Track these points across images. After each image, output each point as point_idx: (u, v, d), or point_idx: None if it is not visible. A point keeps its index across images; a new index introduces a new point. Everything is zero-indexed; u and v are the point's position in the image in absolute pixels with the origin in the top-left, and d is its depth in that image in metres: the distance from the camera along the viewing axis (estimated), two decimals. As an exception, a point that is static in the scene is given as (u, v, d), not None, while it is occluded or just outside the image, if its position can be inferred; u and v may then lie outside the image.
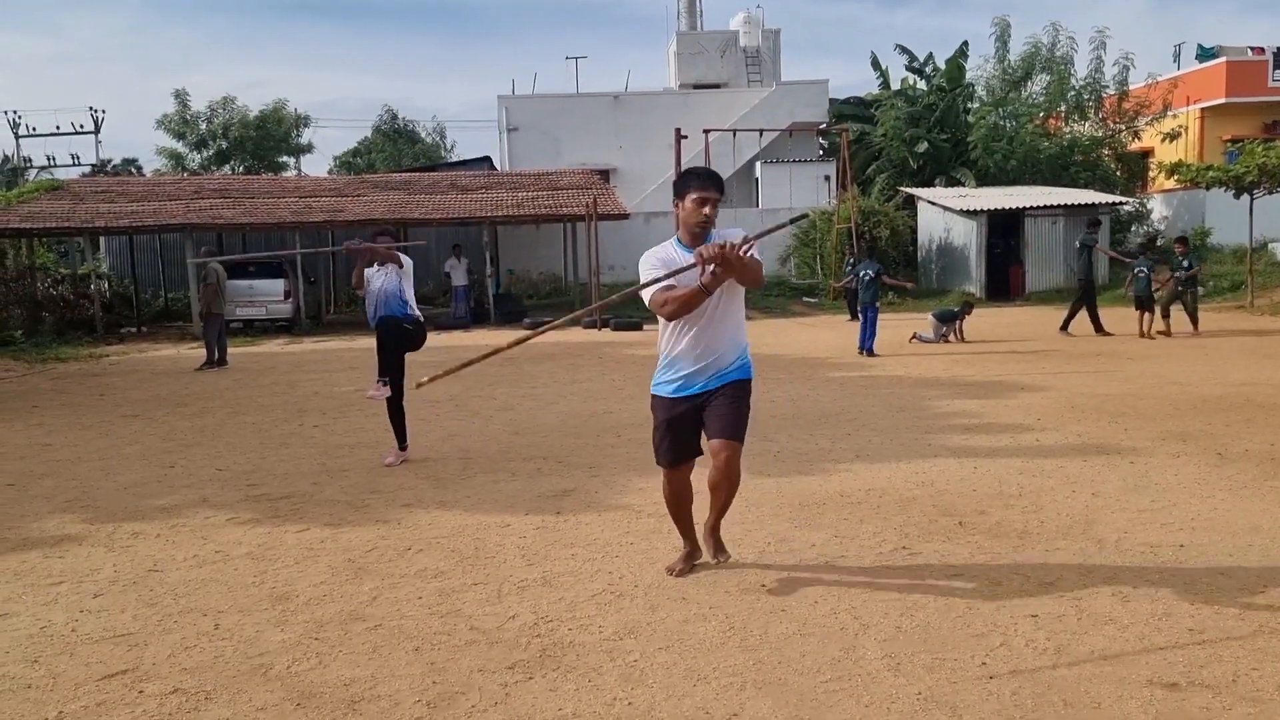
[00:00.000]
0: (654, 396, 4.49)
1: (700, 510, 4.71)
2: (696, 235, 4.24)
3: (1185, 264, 14.99)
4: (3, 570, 4.97)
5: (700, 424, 4.40)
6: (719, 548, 4.72)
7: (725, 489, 4.45)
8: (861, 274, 14.34)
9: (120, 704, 3.41)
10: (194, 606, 4.37)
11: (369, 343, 9.41)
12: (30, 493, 6.76)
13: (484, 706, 3.31)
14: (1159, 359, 12.14)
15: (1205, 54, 30.83)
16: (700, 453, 4.51)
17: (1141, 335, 14.62)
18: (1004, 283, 23.21)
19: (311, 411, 10.14)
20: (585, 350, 15.80)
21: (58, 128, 42.28)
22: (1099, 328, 15.14)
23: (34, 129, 43.85)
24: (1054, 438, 7.57)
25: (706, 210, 4.19)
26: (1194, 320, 14.99)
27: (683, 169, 4.42)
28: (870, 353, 13.54)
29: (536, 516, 5.72)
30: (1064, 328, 15.40)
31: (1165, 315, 14.99)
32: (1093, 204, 23.36)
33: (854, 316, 20.16)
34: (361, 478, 6.94)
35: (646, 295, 4.19)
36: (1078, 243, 15.98)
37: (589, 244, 21.98)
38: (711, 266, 3.96)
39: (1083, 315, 15.30)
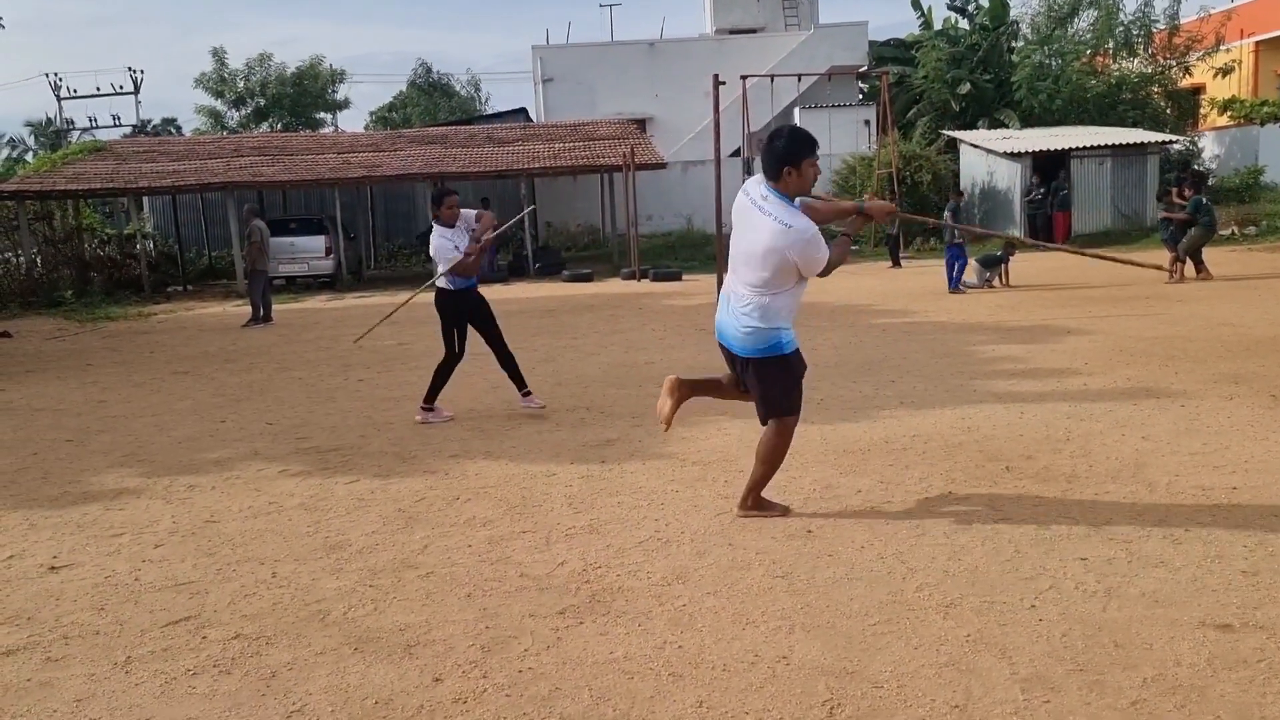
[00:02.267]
0: (798, 352, 4.60)
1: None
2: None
3: (1203, 200, 14.23)
4: (66, 523, 5.12)
5: None
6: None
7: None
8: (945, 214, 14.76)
9: (185, 649, 3.52)
10: (251, 556, 4.48)
11: (408, 296, 9.50)
12: (89, 448, 6.94)
13: (536, 650, 3.38)
14: (1209, 301, 11.89)
15: (1261, -16, 29.73)
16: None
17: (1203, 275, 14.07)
18: (1048, 228, 22.80)
19: (356, 366, 10.27)
20: (624, 301, 15.80)
21: (98, 89, 42.98)
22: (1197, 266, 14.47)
23: (75, 91, 44.40)
24: (1102, 381, 7.47)
25: (815, 176, 4.45)
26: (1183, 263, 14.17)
27: (790, 133, 4.40)
28: (957, 289, 14.16)
29: (581, 465, 5.77)
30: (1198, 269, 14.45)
31: (1184, 260, 14.19)
32: (1141, 144, 22.79)
33: (895, 263, 20.00)
34: (408, 430, 7.03)
35: (823, 258, 4.33)
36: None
37: (627, 194, 21.88)
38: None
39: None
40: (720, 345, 4.73)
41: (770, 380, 4.52)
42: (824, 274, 4.44)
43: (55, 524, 5.11)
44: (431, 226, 7.37)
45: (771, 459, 4.63)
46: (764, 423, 4.63)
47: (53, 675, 3.36)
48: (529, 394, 7.47)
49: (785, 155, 4.34)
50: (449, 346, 7.41)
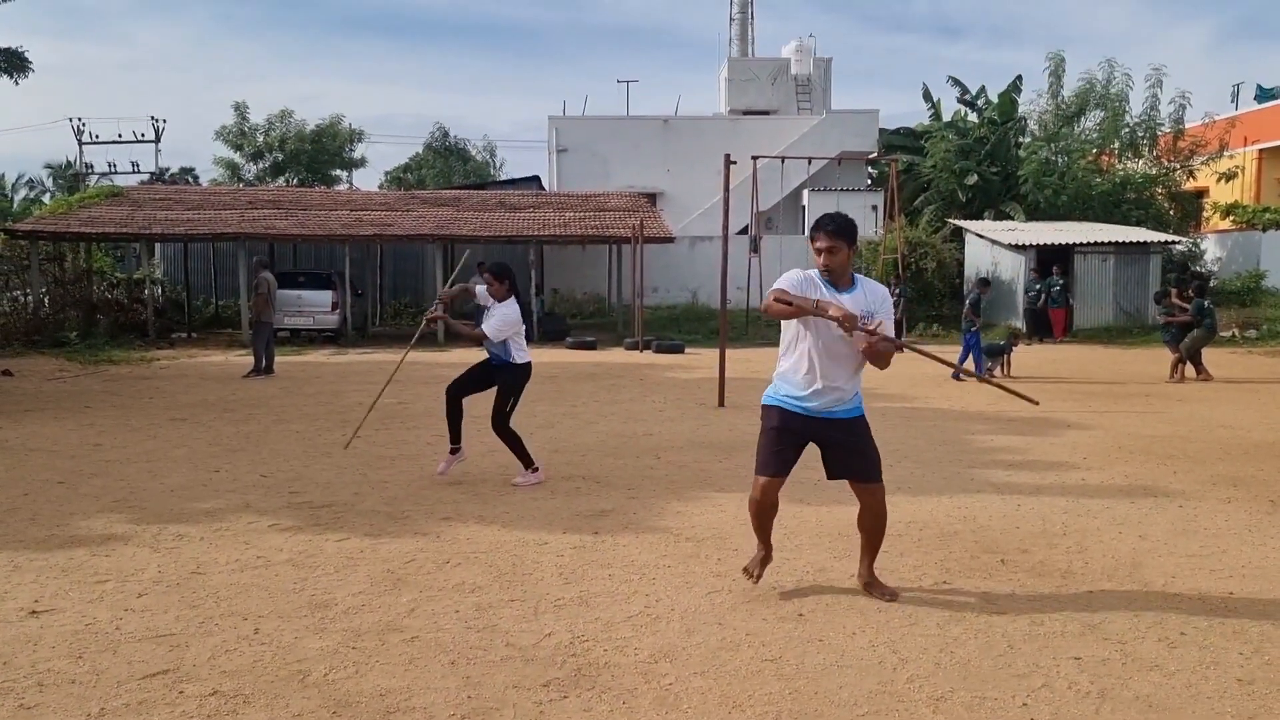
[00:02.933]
0: (765, 408, 4.61)
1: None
2: (830, 273, 4.42)
3: (1206, 303, 14.34)
4: (50, 566, 5.07)
5: (803, 445, 4.58)
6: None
7: (872, 528, 4.67)
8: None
9: (160, 703, 3.46)
10: (235, 610, 4.42)
11: (413, 356, 9.50)
12: (79, 491, 6.90)
13: (518, 723, 3.32)
14: (1209, 401, 11.90)
15: (1265, 94, 30.39)
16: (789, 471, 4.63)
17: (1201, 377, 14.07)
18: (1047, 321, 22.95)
19: (355, 422, 10.23)
20: (626, 371, 15.83)
21: (119, 135, 43.45)
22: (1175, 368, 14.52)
23: (96, 136, 44.98)
24: (1100, 477, 7.44)
25: (822, 260, 4.41)
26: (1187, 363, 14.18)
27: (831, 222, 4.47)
28: (956, 377, 14.06)
29: (574, 535, 5.73)
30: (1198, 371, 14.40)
31: (1185, 362, 14.20)
32: (1144, 242, 23.04)
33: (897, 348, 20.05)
34: (402, 489, 7.00)
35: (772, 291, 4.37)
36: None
37: (634, 266, 22.07)
38: (835, 325, 4.24)
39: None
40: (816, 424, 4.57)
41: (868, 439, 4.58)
42: (773, 312, 4.36)
43: (40, 567, 5.06)
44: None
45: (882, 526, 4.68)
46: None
47: (24, 723, 3.30)
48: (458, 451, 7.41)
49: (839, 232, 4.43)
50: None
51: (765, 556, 4.76)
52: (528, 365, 7.35)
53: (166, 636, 4.09)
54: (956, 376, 14.22)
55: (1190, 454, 8.39)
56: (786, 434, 4.54)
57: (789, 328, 4.52)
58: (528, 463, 7.30)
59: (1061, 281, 21.90)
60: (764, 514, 4.67)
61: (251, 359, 15.33)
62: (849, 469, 4.60)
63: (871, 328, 4.27)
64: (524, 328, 7.32)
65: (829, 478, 4.69)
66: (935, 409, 11.38)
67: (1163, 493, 6.91)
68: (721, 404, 11.40)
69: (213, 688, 3.59)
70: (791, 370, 4.52)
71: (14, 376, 14.53)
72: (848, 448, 4.57)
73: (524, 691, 3.56)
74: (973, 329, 14.73)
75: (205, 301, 26.62)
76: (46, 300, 21.72)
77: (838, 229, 4.41)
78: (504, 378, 7.26)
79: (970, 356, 14.77)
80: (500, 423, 7.23)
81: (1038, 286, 22.33)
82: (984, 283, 16.27)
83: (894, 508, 6.41)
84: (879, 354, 4.35)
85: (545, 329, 22.54)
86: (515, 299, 7.32)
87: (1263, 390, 13.13)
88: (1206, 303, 14.34)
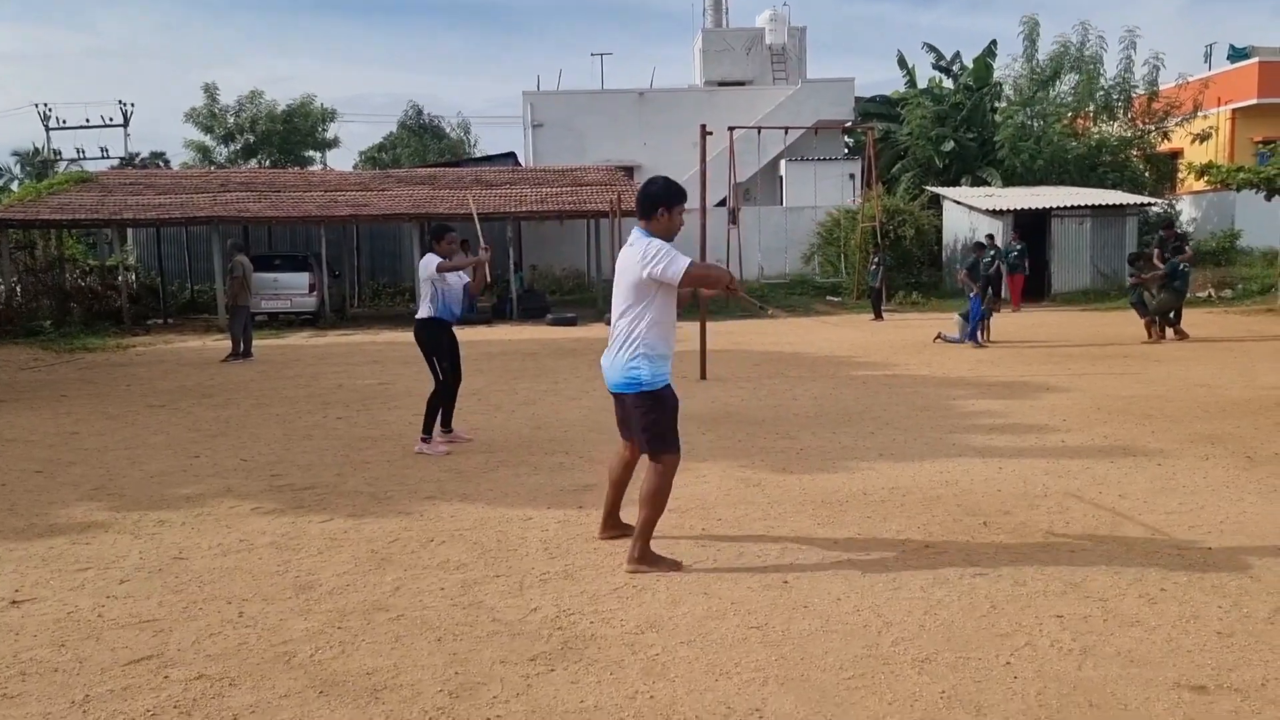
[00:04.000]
0: (668, 386, 4.60)
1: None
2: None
3: (1174, 263, 14.38)
4: (31, 556, 5.03)
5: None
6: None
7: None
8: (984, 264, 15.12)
9: (145, 689, 3.44)
10: (218, 594, 4.40)
11: (392, 336, 9.46)
12: (58, 480, 6.84)
13: (505, 697, 3.32)
14: (1186, 361, 12.00)
15: (1237, 54, 30.48)
16: None
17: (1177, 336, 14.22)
18: (1034, 284, 23.00)
19: (335, 404, 10.20)
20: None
21: (87, 120, 43.03)
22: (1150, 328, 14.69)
23: (64, 121, 44.46)
24: (1080, 439, 7.50)
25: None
26: (1171, 325, 14.35)
27: (665, 180, 4.54)
28: (976, 344, 14.24)
29: (559, 510, 5.73)
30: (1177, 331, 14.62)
31: (1161, 323, 14.38)
32: (1120, 205, 23.15)
33: (877, 316, 20.13)
34: (384, 470, 6.97)
35: (683, 265, 4.41)
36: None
37: (613, 240, 22.00)
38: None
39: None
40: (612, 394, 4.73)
41: (643, 414, 4.56)
42: (687, 283, 4.52)
43: (19, 557, 5.01)
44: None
45: (655, 503, 4.59)
46: (650, 458, 4.60)
47: (7, 713, 3.27)
48: (451, 431, 7.82)
49: (661, 196, 4.56)
50: (437, 375, 7.60)
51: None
52: (429, 323, 7.61)
53: (150, 622, 4.07)
54: (974, 341, 14.28)
55: (1168, 413, 8.46)
56: None
57: (659, 297, 4.51)
58: (428, 430, 7.61)
59: (1020, 247, 21.18)
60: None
61: (229, 343, 15.22)
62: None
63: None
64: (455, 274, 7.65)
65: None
66: (916, 375, 11.43)
67: (1141, 452, 6.97)
68: (703, 376, 11.40)
69: (198, 671, 3.57)
70: (665, 341, 4.58)
71: (-12, 367, 14.36)
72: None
73: (511, 666, 3.57)
74: (974, 294, 14.64)
75: (180, 287, 26.36)
76: (18, 289, 21.45)
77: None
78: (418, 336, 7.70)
79: (967, 321, 14.77)
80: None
81: (991, 253, 21.75)
82: (979, 245, 16.26)
83: (877, 474, 6.47)
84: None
85: (525, 306, 22.47)
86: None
87: (1238, 349, 13.26)
88: (1182, 265, 14.41)
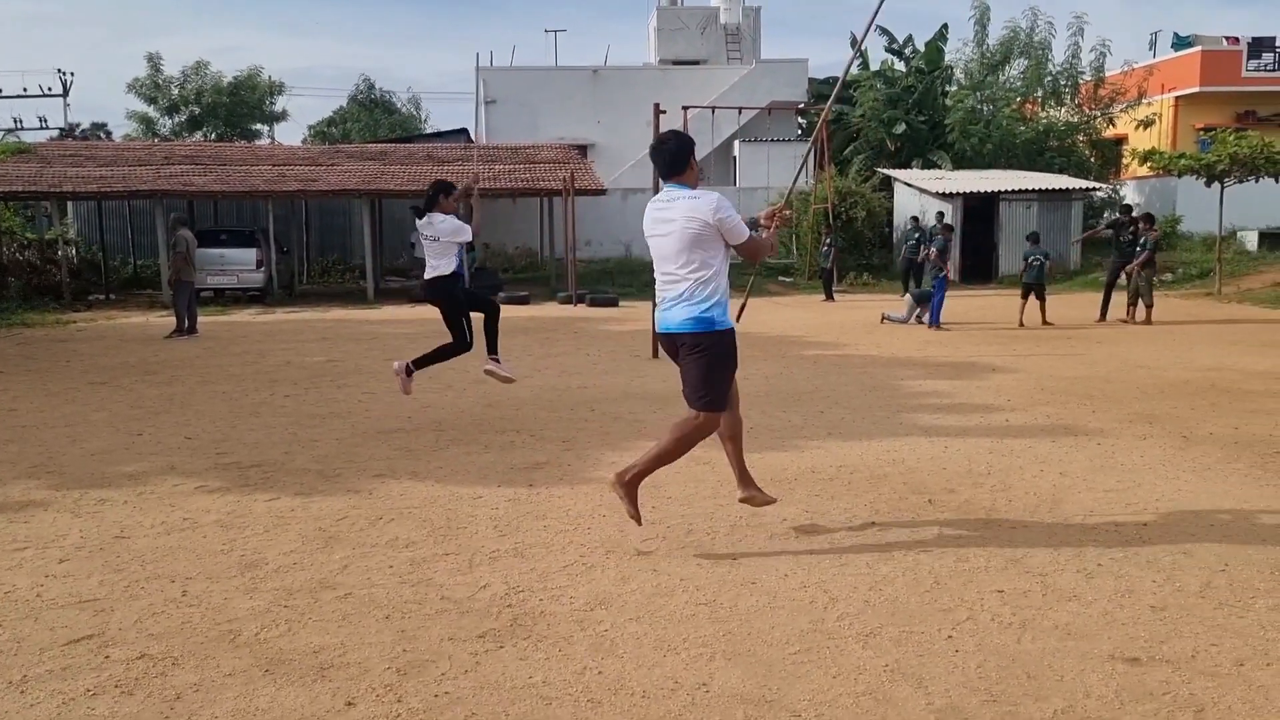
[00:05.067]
0: (733, 332, 4.70)
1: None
2: None
3: (1142, 242, 14.78)
4: (-34, 535, 4.91)
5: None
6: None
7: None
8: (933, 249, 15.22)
9: (86, 668, 3.39)
10: (161, 573, 4.34)
11: (341, 314, 9.35)
12: (-5, 458, 6.67)
13: (454, 674, 3.32)
14: (1127, 343, 12.27)
15: (1181, 43, 31.03)
16: None
17: (1020, 325, 14.43)
18: (981, 267, 23.29)
19: (283, 381, 10.06)
20: (560, 325, 15.77)
21: (25, 90, 41.69)
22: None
23: (0, 91, 43.00)
24: (1023, 418, 7.65)
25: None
26: (1148, 306, 14.76)
27: (678, 133, 4.82)
28: (934, 325, 14.30)
29: (509, 489, 5.72)
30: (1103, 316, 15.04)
31: (1132, 303, 14.88)
32: (1066, 189, 23.53)
33: (828, 296, 20.30)
34: (333, 447, 6.90)
35: (746, 232, 4.60)
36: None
37: (566, 219, 21.90)
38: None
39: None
40: (664, 340, 4.84)
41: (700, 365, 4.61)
42: (753, 256, 4.76)
43: (-46, 536, 4.89)
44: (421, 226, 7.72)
45: (674, 447, 4.65)
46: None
47: (-59, 694, 3.21)
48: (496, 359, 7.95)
49: (688, 146, 4.69)
50: (461, 333, 7.79)
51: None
52: (446, 278, 7.72)
53: (90, 602, 4.00)
54: (933, 324, 14.36)
55: (1108, 394, 8.65)
56: None
57: (720, 250, 4.59)
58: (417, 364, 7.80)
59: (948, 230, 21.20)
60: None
61: (173, 320, 14.92)
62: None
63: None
64: (464, 228, 7.76)
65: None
66: (865, 355, 11.55)
67: (1082, 431, 7.12)
68: (655, 355, 11.41)
69: (140, 651, 3.52)
70: (726, 288, 4.68)
71: (-79, 342, 13.95)
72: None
73: (459, 643, 3.56)
74: (941, 274, 14.77)
75: (123, 261, 25.76)
76: (-47, 263, 20.83)
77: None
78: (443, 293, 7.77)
79: (922, 303, 14.92)
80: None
81: (916, 235, 20.76)
82: (948, 228, 16.34)
83: (825, 452, 6.54)
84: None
85: (478, 284, 22.23)
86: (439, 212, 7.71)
87: (1178, 331, 13.59)
88: (1144, 240, 14.74)
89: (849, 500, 5.39)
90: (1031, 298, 14.66)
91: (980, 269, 23.51)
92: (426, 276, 7.72)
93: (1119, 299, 15.01)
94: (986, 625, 3.67)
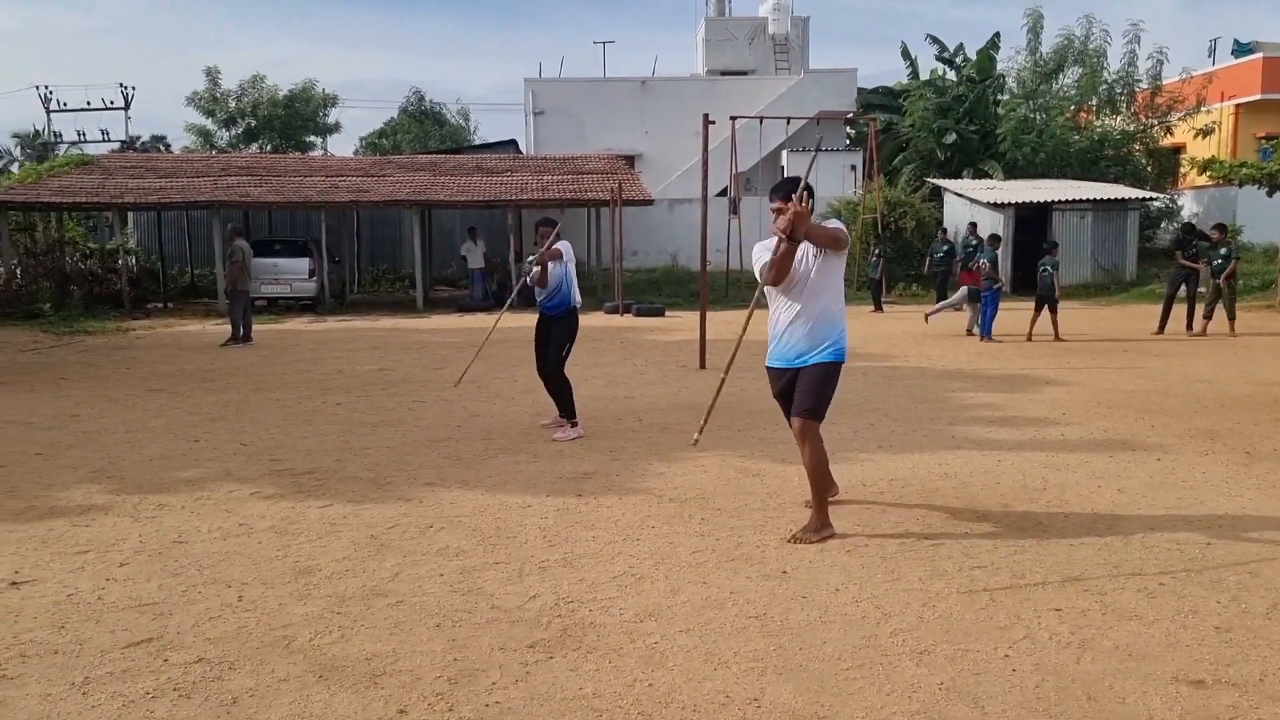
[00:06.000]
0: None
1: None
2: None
3: (1223, 252, 14.40)
4: (30, 538, 5.03)
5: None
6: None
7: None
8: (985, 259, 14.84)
9: (145, 671, 3.45)
10: (218, 578, 4.40)
11: (391, 323, 9.46)
12: (58, 463, 6.84)
13: (504, 684, 3.32)
14: (1186, 356, 12.01)
15: (1241, 49, 30.40)
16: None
17: (1029, 338, 14.12)
18: (1032, 278, 22.90)
19: (334, 389, 10.20)
20: (606, 335, 15.80)
21: (88, 103, 42.83)
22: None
23: (65, 104, 44.32)
24: (1079, 432, 7.51)
25: (775, 221, 4.76)
26: (1231, 318, 14.37)
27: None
28: (985, 338, 14.07)
29: (558, 498, 5.73)
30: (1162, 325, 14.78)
31: (1208, 315, 14.43)
32: (1122, 199, 23.12)
33: (877, 307, 20.11)
34: (384, 455, 6.97)
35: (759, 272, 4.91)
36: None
37: (613, 229, 21.96)
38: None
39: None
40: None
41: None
42: (773, 282, 4.93)
43: (19, 539, 5.01)
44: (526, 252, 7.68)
45: (823, 467, 5.02)
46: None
47: (7, 694, 3.28)
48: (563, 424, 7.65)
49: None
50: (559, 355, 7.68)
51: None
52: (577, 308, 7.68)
53: (149, 605, 4.07)
54: (985, 337, 14.16)
55: (1168, 408, 8.46)
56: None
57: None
58: (571, 414, 7.57)
59: (976, 242, 19.81)
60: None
61: (229, 327, 15.20)
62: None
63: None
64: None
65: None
66: (916, 368, 11.43)
67: (1141, 446, 6.97)
68: (702, 366, 11.40)
69: (197, 655, 3.58)
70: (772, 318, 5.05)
71: (-13, 349, 14.35)
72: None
73: (510, 653, 3.57)
74: (994, 286, 14.49)
75: (180, 270, 26.32)
76: (19, 271, 21.41)
77: (782, 186, 4.82)
78: (564, 324, 7.60)
79: (973, 300, 14.71)
80: (557, 369, 7.59)
81: (945, 247, 20.61)
82: (995, 238, 16.02)
83: (876, 465, 6.47)
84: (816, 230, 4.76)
85: (525, 294, 22.43)
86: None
87: (1239, 344, 13.26)
88: (1225, 250, 14.39)
89: (901, 514, 5.32)
90: (1046, 310, 14.34)
91: (1033, 280, 23.09)
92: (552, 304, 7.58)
93: (1178, 310, 14.69)
94: (1044, 644, 3.60)
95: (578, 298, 7.66)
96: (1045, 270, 14.49)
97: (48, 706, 3.19)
